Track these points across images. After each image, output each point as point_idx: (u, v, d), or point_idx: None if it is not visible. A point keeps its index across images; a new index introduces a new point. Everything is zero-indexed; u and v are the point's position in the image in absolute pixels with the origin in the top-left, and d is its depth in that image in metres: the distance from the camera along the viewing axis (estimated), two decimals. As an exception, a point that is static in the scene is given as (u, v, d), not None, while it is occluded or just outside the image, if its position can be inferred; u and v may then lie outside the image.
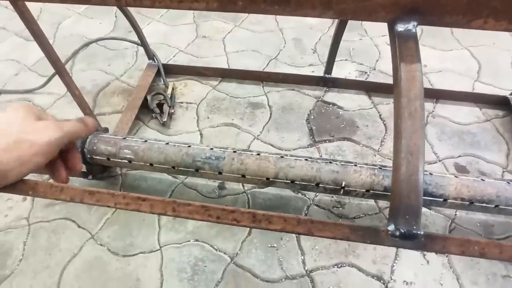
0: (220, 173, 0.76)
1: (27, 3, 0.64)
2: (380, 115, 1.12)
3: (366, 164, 0.75)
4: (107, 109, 1.17)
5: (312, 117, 1.12)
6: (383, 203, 0.93)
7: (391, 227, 0.38)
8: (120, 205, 0.40)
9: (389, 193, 0.72)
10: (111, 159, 0.81)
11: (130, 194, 0.41)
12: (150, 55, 1.22)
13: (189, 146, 0.79)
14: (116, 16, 1.51)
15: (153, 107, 1.12)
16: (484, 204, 0.71)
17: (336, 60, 1.12)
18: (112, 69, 1.30)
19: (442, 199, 0.72)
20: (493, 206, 0.71)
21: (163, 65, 1.24)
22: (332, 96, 1.18)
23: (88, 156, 0.82)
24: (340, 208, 0.93)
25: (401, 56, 0.40)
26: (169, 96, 1.15)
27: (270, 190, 0.96)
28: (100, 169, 0.95)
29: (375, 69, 1.27)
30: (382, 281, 0.81)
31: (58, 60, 0.75)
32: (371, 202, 0.94)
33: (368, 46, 1.35)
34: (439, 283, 0.81)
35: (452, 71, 1.25)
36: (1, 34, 1.46)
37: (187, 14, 1.52)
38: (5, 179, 0.37)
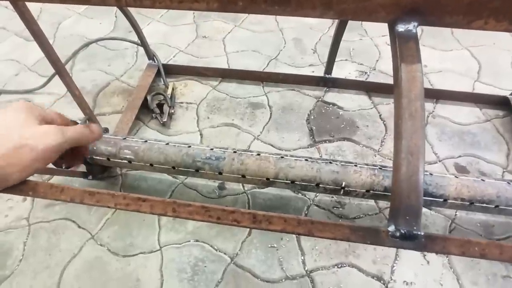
0: (220, 173, 0.76)
1: (27, 3, 0.64)
2: (380, 115, 1.12)
3: (366, 164, 0.75)
4: (107, 109, 1.17)
5: (312, 117, 1.12)
6: (383, 204, 0.93)
7: (391, 228, 0.38)
8: (120, 206, 0.40)
9: (389, 194, 0.72)
10: (111, 160, 0.81)
11: (130, 195, 0.41)
12: (150, 55, 1.22)
13: (189, 147, 0.79)
14: (116, 16, 1.51)
15: (153, 107, 1.12)
16: (485, 205, 0.71)
17: (336, 60, 1.12)
18: (112, 69, 1.30)
19: (442, 200, 0.72)
20: (493, 206, 0.71)
21: (163, 65, 1.23)
22: (332, 96, 1.18)
23: (88, 156, 0.82)
24: (340, 209, 0.93)
25: (401, 57, 0.40)
26: (169, 96, 1.15)
27: (270, 191, 0.96)
28: (100, 169, 0.95)
29: (375, 69, 1.27)
30: (382, 282, 0.81)
31: (58, 60, 0.75)
32: (371, 202, 0.94)
33: (368, 46, 1.35)
34: (439, 284, 0.81)
35: (452, 71, 1.25)
36: (1, 34, 1.46)
37: (187, 14, 1.52)
38: (5, 182, 0.37)
